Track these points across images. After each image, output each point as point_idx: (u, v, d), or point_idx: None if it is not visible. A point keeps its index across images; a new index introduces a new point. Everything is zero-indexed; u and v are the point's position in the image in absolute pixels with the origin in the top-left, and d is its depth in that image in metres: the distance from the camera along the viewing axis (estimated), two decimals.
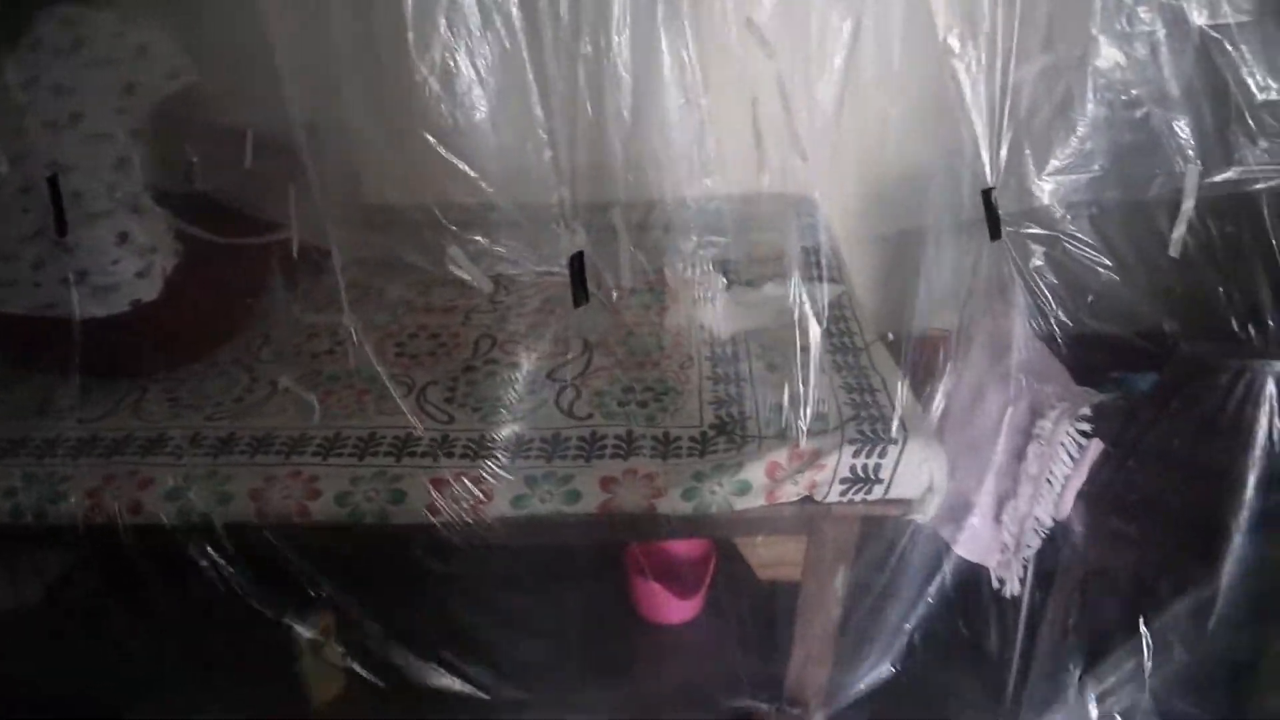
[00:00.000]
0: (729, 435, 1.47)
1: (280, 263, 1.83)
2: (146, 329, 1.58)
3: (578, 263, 1.31)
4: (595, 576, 1.95)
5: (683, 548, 1.99)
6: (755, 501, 1.40)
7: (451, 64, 1.25)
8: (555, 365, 1.66)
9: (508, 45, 1.26)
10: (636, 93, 1.33)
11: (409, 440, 1.47)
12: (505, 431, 1.48)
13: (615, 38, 1.30)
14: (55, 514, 1.41)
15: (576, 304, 1.32)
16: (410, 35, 1.24)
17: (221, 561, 1.43)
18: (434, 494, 1.38)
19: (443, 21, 1.23)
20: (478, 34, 1.26)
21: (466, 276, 1.41)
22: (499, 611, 1.77)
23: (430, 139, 1.31)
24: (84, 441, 1.50)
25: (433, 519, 1.38)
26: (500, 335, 1.76)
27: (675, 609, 1.90)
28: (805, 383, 1.46)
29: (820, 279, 1.78)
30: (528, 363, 1.65)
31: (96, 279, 1.54)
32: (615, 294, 1.72)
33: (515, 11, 1.25)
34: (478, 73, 1.29)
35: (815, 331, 1.49)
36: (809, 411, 1.43)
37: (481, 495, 1.39)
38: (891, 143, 1.60)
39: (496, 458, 1.43)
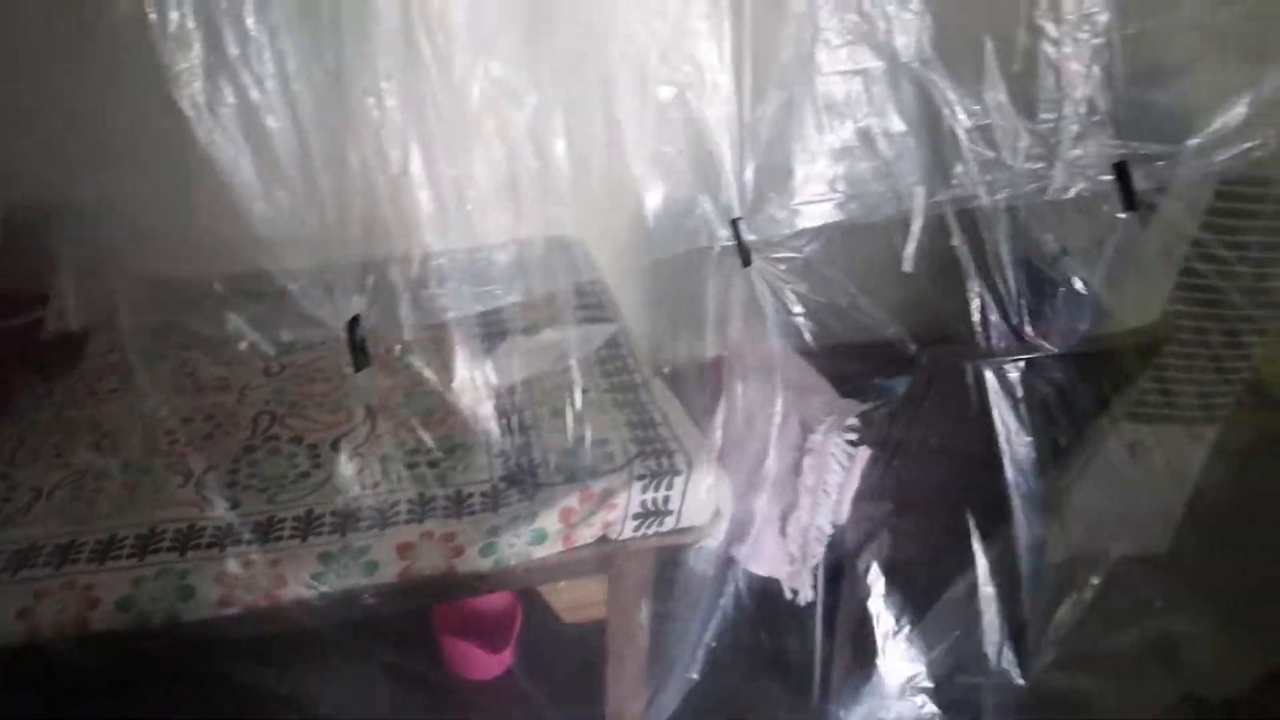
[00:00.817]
0: (520, 486, 1.48)
1: (30, 356, 1.73)
2: None
3: (354, 326, 1.30)
4: (402, 641, 1.92)
5: (486, 602, 1.98)
6: (552, 548, 1.42)
7: (215, 129, 1.21)
8: (339, 434, 1.63)
9: (270, 103, 1.23)
10: (399, 146, 1.33)
11: (193, 531, 1.41)
12: (294, 510, 1.45)
13: (378, 93, 1.29)
14: None
15: (357, 368, 1.30)
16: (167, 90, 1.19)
17: None
18: (225, 585, 1.33)
19: (199, 83, 1.19)
20: (239, 99, 1.22)
21: (247, 341, 1.36)
22: (306, 691, 1.72)
23: (203, 207, 1.27)
24: None
25: (226, 612, 1.33)
26: (279, 410, 1.71)
27: (487, 664, 1.89)
28: (588, 425, 1.50)
29: (594, 319, 1.83)
30: (310, 435, 1.61)
31: None
32: (398, 348, 1.71)
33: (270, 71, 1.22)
34: (242, 137, 1.25)
35: (592, 373, 1.54)
36: (595, 453, 1.47)
37: (275, 580, 1.35)
38: (651, 179, 1.67)
39: (287, 539, 1.40)
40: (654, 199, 1.62)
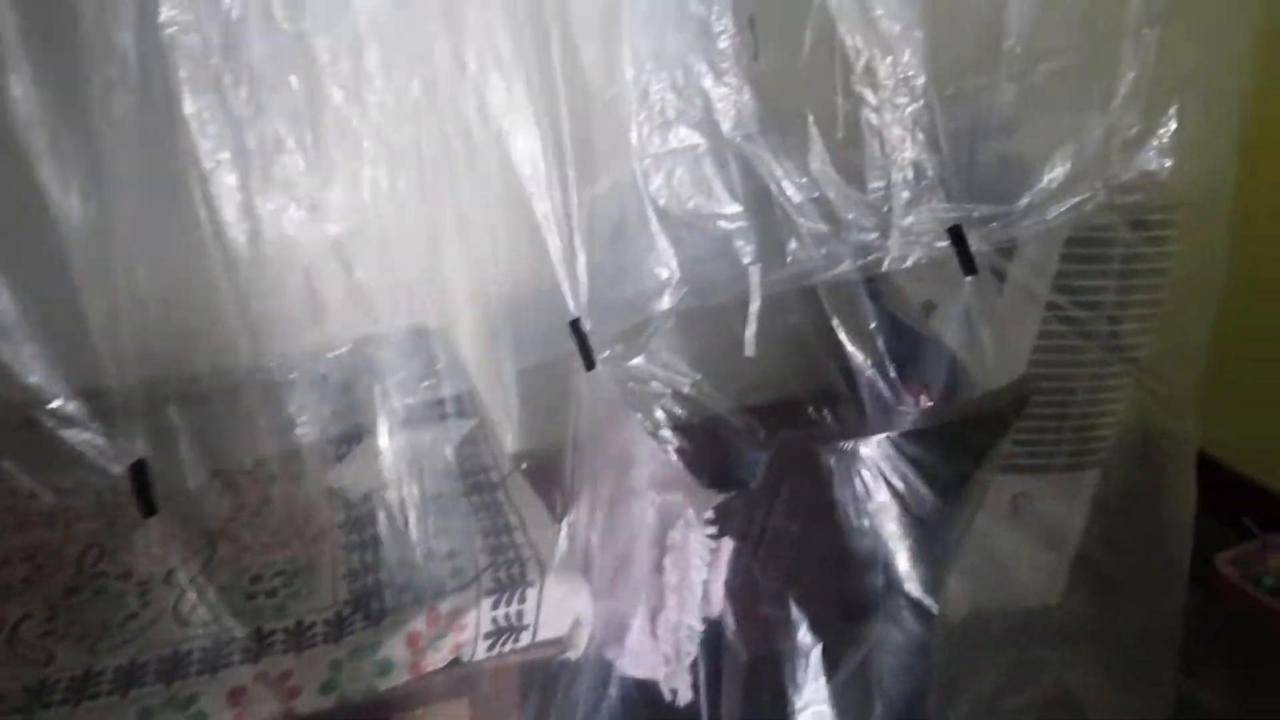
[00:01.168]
0: (365, 611, 1.39)
1: None
2: None
3: (139, 471, 1.19)
4: None
5: None
6: (400, 678, 1.33)
7: None
8: (172, 566, 1.52)
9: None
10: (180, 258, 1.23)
11: None
12: (116, 659, 1.33)
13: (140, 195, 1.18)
14: None
15: (145, 515, 1.20)
16: None
17: None
18: None
19: None
20: None
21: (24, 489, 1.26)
22: None
23: None
24: None
25: None
26: (110, 542, 1.59)
27: None
28: (438, 537, 1.42)
29: (451, 415, 1.75)
30: (141, 569, 1.50)
31: None
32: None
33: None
34: None
35: (449, 474, 1.46)
36: (444, 567, 1.40)
37: None
38: (499, 277, 1.61)
39: (105, 695, 1.28)
40: (515, 292, 1.57)
